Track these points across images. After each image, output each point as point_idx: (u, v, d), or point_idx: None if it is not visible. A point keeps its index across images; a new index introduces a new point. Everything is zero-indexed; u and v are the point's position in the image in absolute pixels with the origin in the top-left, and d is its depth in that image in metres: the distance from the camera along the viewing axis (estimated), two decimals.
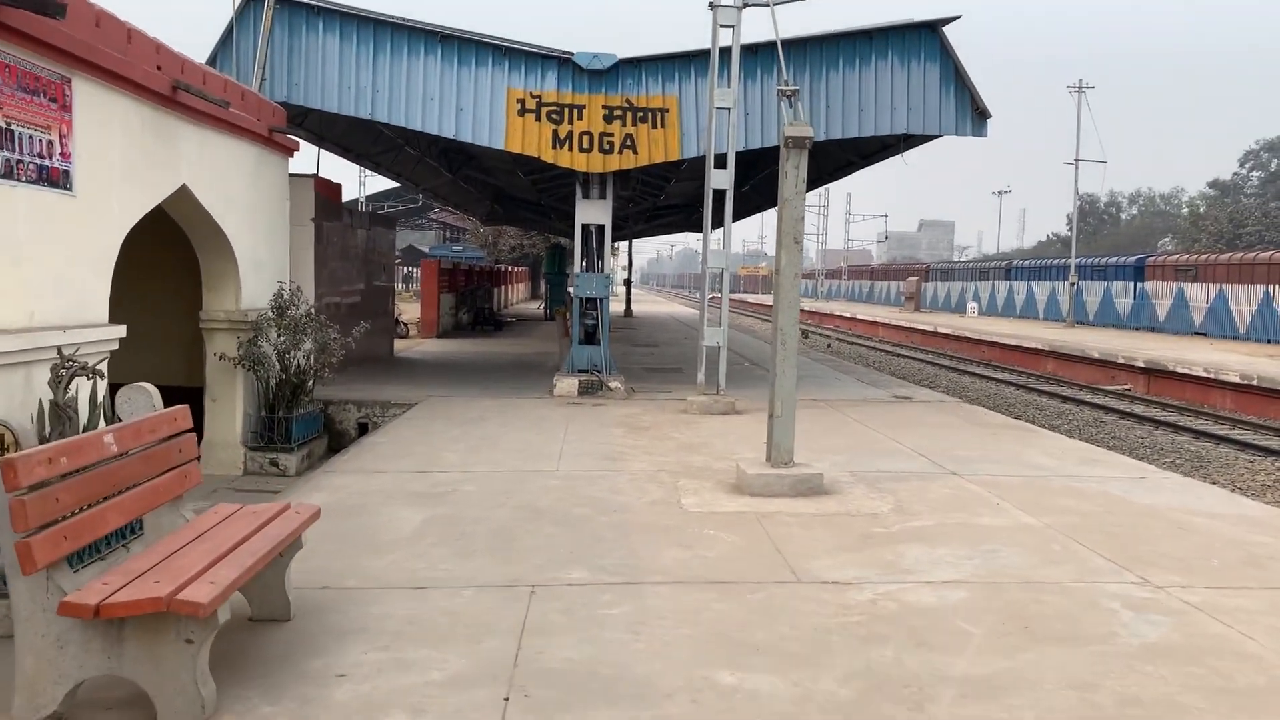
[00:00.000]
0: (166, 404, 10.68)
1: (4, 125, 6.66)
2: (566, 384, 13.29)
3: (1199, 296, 33.85)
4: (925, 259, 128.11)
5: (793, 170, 7.20)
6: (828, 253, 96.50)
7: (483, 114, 12.79)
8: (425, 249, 63.02)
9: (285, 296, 11.37)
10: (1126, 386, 25.23)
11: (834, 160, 20.30)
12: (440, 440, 9.83)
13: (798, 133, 7.13)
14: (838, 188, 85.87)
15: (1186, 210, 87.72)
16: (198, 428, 11.66)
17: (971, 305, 49.97)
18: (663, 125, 12.90)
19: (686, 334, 28.35)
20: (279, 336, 11.25)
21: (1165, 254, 46.51)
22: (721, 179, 11.66)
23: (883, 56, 12.96)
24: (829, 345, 37.61)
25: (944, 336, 38.15)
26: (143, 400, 5.31)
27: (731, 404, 11.82)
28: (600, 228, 13.66)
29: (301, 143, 16.71)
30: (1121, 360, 25.79)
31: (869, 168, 18.33)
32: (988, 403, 22.26)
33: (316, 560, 5.67)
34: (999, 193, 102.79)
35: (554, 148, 12.81)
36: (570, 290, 13.55)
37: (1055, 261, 50.18)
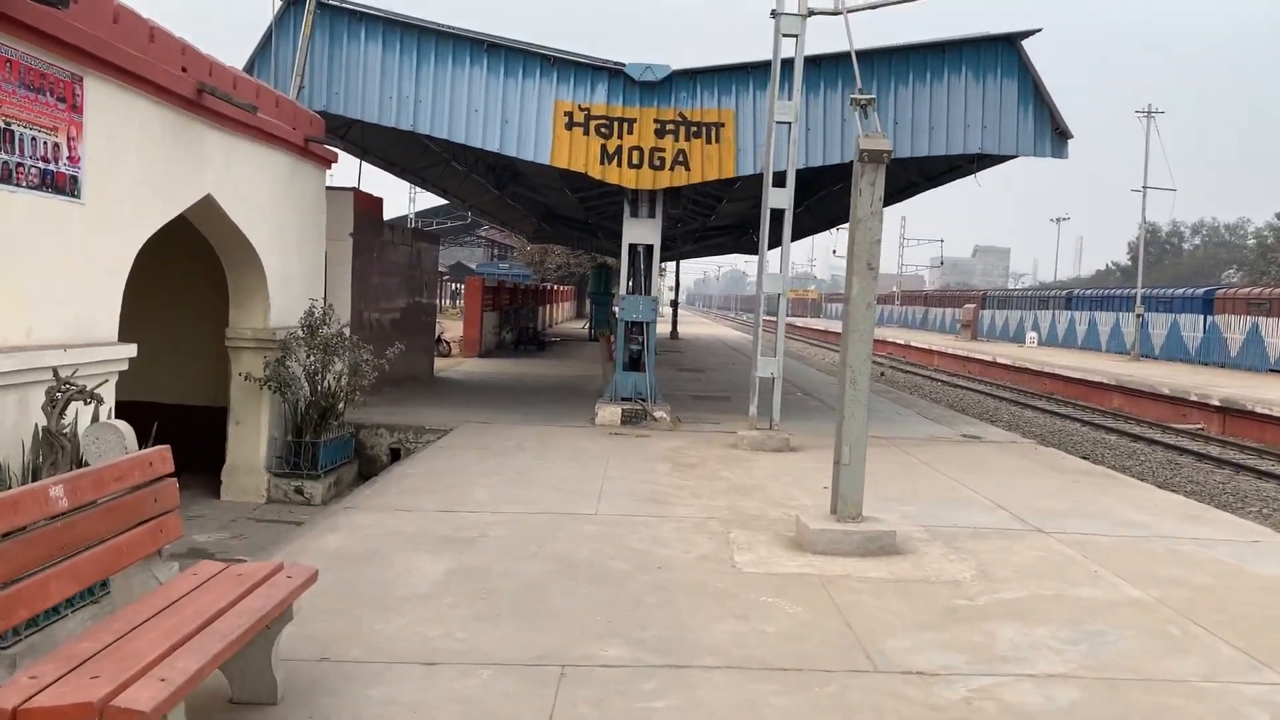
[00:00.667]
0: (189, 424, 10.20)
1: (2, 125, 6.10)
2: (609, 412, 12.54)
3: (1275, 332, 32.26)
4: (980, 285, 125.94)
5: (867, 187, 6.41)
6: (880, 277, 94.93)
7: (529, 127, 12.15)
8: (473, 266, 63.05)
9: (317, 315, 10.77)
10: (1200, 426, 23.91)
11: (896, 181, 19.42)
12: (472, 472, 9.12)
13: (874, 146, 6.34)
14: (892, 211, 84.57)
15: (1254, 241, 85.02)
16: (220, 451, 11.20)
17: (1031, 335, 48.46)
18: (717, 141, 12.16)
19: (734, 359, 27.51)
20: (308, 357, 10.65)
21: (1236, 286, 44.76)
22: (780, 198, 10.88)
23: (956, 71, 12.11)
24: (882, 374, 36.49)
25: (1003, 367, 36.86)
26: (112, 440, 4.64)
27: (786, 440, 10.98)
28: (649, 248, 12.94)
29: (342, 155, 16.27)
30: (1195, 398, 24.47)
31: (933, 190, 17.44)
32: (1053, 440, 21.15)
33: (319, 623, 4.96)
34: (1057, 220, 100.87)
35: (602, 163, 12.13)
36: (615, 312, 12.83)
37: (1118, 292, 48.59)
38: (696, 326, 54.06)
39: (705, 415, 13.92)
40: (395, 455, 12.07)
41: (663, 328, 31.89)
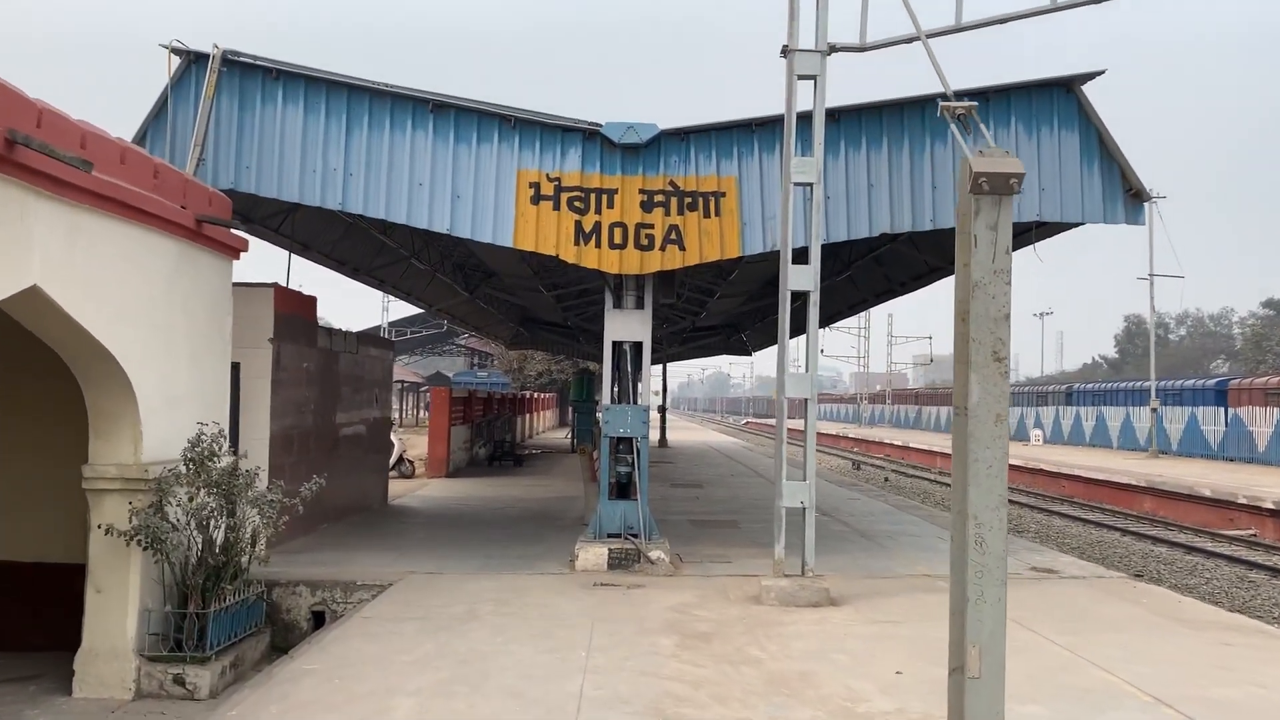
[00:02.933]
0: (43, 589, 7.55)
1: None
2: (593, 554, 9.94)
3: None
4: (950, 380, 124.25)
5: (986, 233, 4.05)
6: (863, 376, 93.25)
7: (485, 202, 9.87)
8: (450, 375, 60.56)
9: (206, 443, 8.22)
10: (1251, 531, 21.39)
11: (908, 267, 17.31)
12: (399, 666, 6.48)
13: (996, 168, 4.00)
14: (886, 309, 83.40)
15: (1246, 330, 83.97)
16: (75, 627, 8.51)
17: (1035, 432, 46.15)
18: (717, 213, 9.90)
19: (732, 470, 24.93)
20: (192, 500, 8.07)
21: (1251, 376, 42.77)
22: (803, 277, 8.57)
23: (1004, 123, 9.97)
24: (886, 479, 34.00)
25: (1015, 469, 34.33)
26: None
27: (825, 591, 8.40)
28: (636, 346, 10.55)
29: (278, 254, 13.95)
30: (1244, 500, 21.99)
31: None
32: (1093, 552, 18.57)
33: None
34: (1040, 315, 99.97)
35: (577, 243, 9.82)
36: (599, 423, 10.36)
37: (1124, 384, 46.59)
38: (684, 432, 51.50)
39: (711, 549, 11.32)
40: (319, 620, 9.39)
41: (651, 434, 29.50)
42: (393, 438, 21.34)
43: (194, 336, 8.80)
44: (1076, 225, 10.47)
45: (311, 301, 12.18)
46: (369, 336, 14.81)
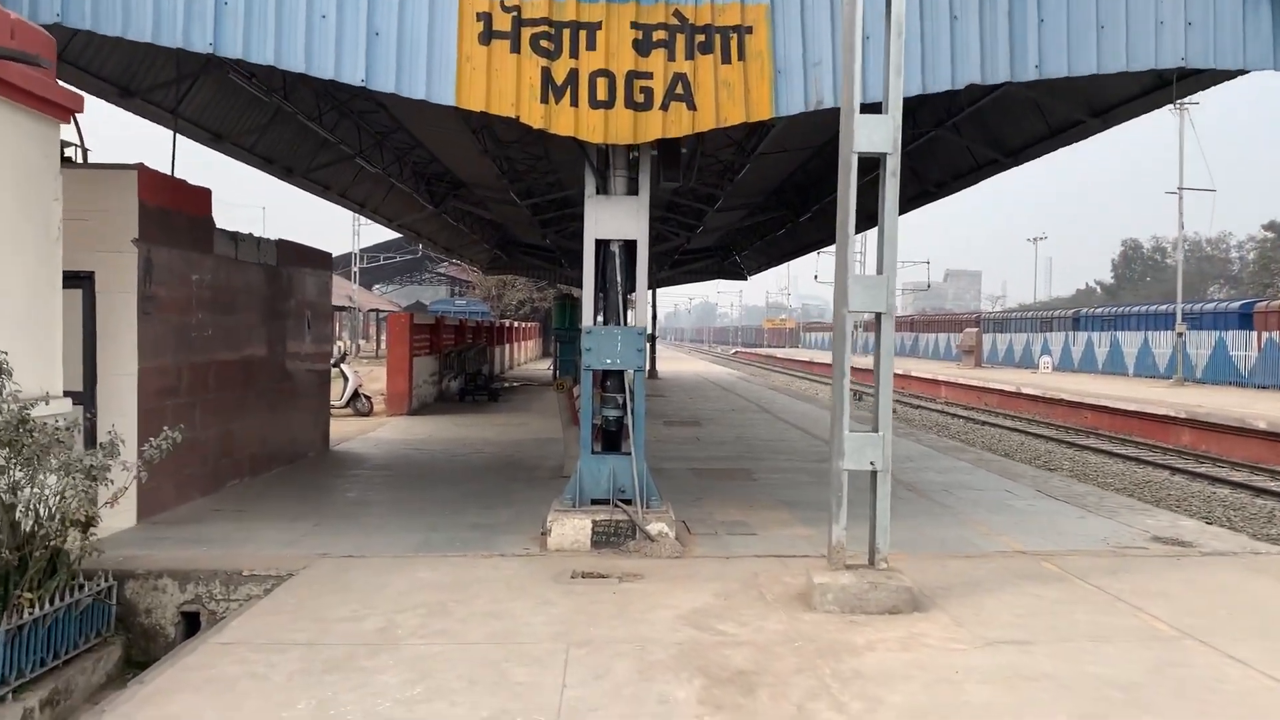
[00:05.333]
0: None
1: None
2: (571, 528, 7.30)
3: None
4: (954, 309, 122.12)
5: None
6: None
7: (415, 42, 7.00)
8: (428, 304, 57.47)
9: None
10: None
11: (949, 161, 14.45)
12: None
13: None
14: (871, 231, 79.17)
15: (1251, 253, 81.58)
16: None
17: (1044, 360, 43.69)
18: (740, 56, 7.08)
19: (732, 404, 22.34)
20: None
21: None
22: (878, 132, 5.79)
23: None
24: (893, 411, 31.47)
25: (1030, 399, 31.94)
26: None
27: (906, 591, 5.78)
28: (628, 248, 7.80)
29: (172, 135, 11.12)
30: None
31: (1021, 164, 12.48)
32: (1143, 494, 16.15)
33: None
34: (1034, 239, 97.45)
35: (545, 101, 6.99)
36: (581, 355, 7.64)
37: (1139, 309, 44.06)
38: (674, 363, 48.91)
39: (725, 512, 8.73)
40: (191, 624, 6.78)
41: None
42: (347, 370, 18.62)
43: None
44: (1236, 74, 7.68)
45: (201, 195, 9.32)
46: (296, 247, 11.99)
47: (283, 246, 11.57)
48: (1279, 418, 21.19)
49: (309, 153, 15.54)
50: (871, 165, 6.21)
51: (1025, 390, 32.63)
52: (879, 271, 5.90)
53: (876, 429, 5.93)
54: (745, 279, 36.64)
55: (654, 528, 7.26)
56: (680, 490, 9.72)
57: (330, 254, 13.50)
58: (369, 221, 27.71)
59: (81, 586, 6.09)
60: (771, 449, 13.55)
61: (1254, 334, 32.40)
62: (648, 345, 42.91)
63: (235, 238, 10.27)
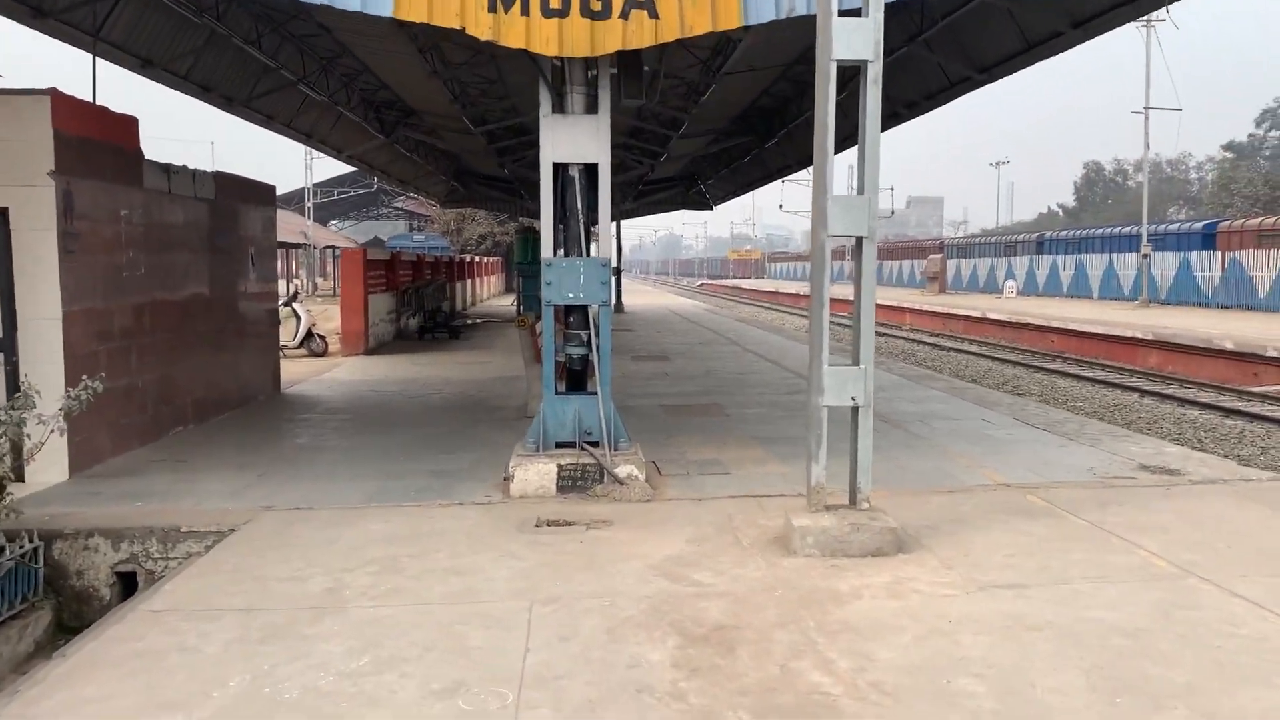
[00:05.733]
0: None
1: None
2: (536, 473, 6.88)
3: None
4: (916, 235, 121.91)
5: None
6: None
7: None
8: (386, 240, 56.16)
9: None
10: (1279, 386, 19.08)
11: (919, 80, 13.92)
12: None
13: None
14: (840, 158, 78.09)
15: (1211, 174, 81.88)
16: None
17: (1009, 284, 43.70)
18: None
19: (701, 336, 21.95)
20: None
21: (1243, 217, 40.32)
22: (857, 37, 5.26)
23: None
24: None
25: (996, 324, 31.86)
26: None
27: (891, 532, 5.44)
28: (588, 172, 7.26)
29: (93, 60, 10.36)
30: (1273, 352, 19.57)
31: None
32: (1115, 416, 16.07)
33: None
34: (997, 164, 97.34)
35: (493, 10, 6.38)
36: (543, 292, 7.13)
37: (1103, 231, 44.00)
38: (640, 296, 48.38)
39: (697, 450, 8.36)
40: (128, 585, 6.32)
41: None
42: (299, 309, 17.96)
43: None
44: None
45: (127, 124, 8.60)
46: (236, 180, 11.28)
47: (222, 179, 10.86)
48: (1245, 337, 21.20)
49: (249, 80, 14.68)
50: (844, 80, 5.70)
51: (991, 315, 32.54)
52: (859, 192, 5.43)
53: (857, 362, 5.51)
54: (711, 209, 36.00)
55: (622, 470, 6.86)
56: (650, 429, 9.33)
57: (274, 187, 12.78)
58: (322, 155, 26.75)
59: (1, 549, 5.62)
60: (742, 382, 13.19)
61: (1217, 254, 32.47)
62: (613, 278, 42.02)
63: (168, 170, 9.57)
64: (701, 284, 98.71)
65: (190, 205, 10.04)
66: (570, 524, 6.15)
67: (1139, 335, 24.23)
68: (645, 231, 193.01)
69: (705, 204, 35.32)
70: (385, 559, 5.47)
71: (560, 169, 7.18)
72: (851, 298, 5.76)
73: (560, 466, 6.87)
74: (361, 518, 6.39)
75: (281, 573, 5.30)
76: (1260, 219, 36.12)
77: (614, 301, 33.70)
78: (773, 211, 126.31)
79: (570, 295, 7.09)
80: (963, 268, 51.95)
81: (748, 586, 4.93)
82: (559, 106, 7.05)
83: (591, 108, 7.05)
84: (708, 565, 5.27)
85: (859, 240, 5.48)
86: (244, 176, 11.65)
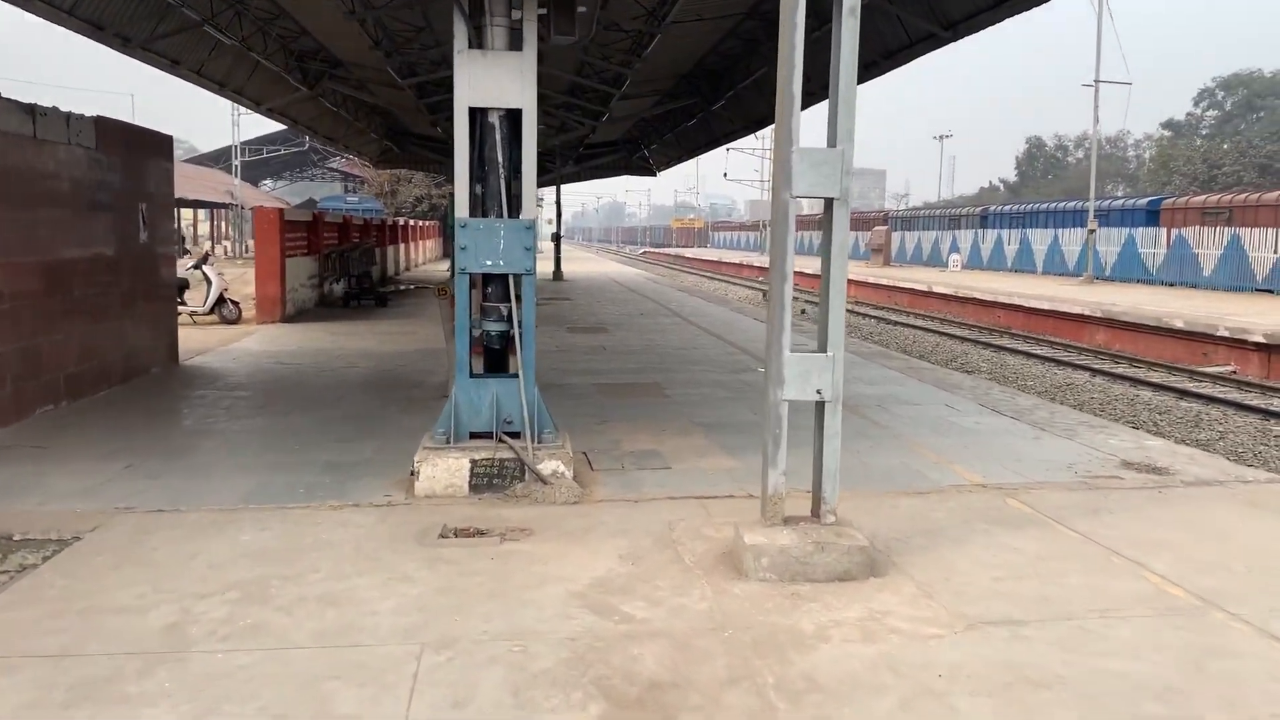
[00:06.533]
0: None
1: None
2: (444, 470, 5.91)
3: (1261, 244, 27.60)
4: (859, 207, 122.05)
5: None
6: (761, 205, 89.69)
7: None
8: (319, 201, 54.10)
9: None
10: (1230, 368, 18.80)
11: (879, 37, 13.06)
12: None
13: None
14: (768, 133, 76.65)
15: (1150, 151, 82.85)
16: None
17: (954, 258, 43.40)
18: None
19: (640, 307, 21.02)
20: None
21: (1188, 195, 40.40)
22: None
23: None
24: (803, 311, 30.75)
25: (941, 298, 31.43)
26: None
27: (861, 551, 4.58)
28: (510, 119, 6.24)
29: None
30: (1225, 332, 19.24)
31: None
32: (1066, 397, 15.54)
33: None
34: (940, 137, 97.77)
35: None
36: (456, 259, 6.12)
37: (1049, 205, 43.87)
38: (581, 264, 47.16)
39: (634, 439, 7.45)
40: None
41: (544, 266, 23.14)
42: (210, 273, 16.64)
43: None
44: None
45: None
46: (124, 127, 10.01)
47: (104, 125, 9.60)
48: (1195, 317, 20.88)
49: (149, 19, 13.26)
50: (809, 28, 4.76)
51: (937, 289, 32.10)
52: (831, 144, 4.51)
53: (825, 348, 4.62)
54: (655, 174, 34.99)
55: (546, 467, 5.92)
56: (583, 411, 8.41)
57: (170, 137, 11.50)
58: (249, 111, 25.15)
59: None
60: (684, 359, 12.30)
61: (1162, 231, 32.33)
62: (548, 245, 40.73)
63: (33, 111, 8.31)
64: (645, 252, 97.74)
65: (64, 153, 8.80)
66: (482, 533, 5.21)
67: (1086, 312, 23.86)
68: (588, 199, 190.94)
69: (649, 169, 34.29)
70: (251, 582, 4.48)
71: (478, 115, 6.15)
72: (809, 272, 4.87)
73: (474, 462, 5.91)
74: (234, 523, 5.37)
75: (119, 600, 4.29)
76: (1204, 196, 36.14)
77: (553, 269, 32.63)
78: (717, 180, 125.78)
79: (488, 262, 6.10)
80: (907, 240, 51.62)
81: (691, 624, 4.04)
82: (476, 41, 6.01)
83: (515, 44, 6.03)
84: (643, 592, 4.37)
85: (829, 202, 4.57)
86: (133, 124, 10.39)
